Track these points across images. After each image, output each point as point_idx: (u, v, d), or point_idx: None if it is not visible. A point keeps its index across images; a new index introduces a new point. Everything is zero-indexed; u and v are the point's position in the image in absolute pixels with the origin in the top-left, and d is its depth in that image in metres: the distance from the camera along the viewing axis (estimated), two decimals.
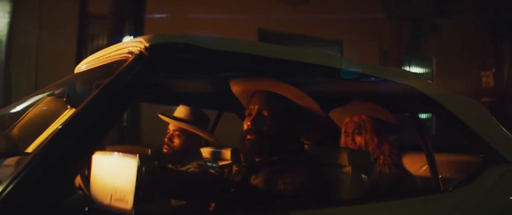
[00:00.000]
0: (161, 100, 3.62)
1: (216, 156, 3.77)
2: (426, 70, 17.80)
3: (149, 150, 3.72)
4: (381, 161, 3.13)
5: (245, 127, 2.29)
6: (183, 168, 3.34)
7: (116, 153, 1.47)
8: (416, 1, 14.39)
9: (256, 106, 2.29)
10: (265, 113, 2.26)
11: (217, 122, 4.04)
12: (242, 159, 2.38)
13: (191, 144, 3.48)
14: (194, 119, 3.45)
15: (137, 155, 1.40)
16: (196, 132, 3.44)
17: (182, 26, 10.39)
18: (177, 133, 3.44)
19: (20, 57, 9.49)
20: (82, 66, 2.66)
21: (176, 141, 3.44)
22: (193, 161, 3.40)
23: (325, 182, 2.21)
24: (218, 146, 3.84)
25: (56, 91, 2.63)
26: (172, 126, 3.47)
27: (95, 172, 1.51)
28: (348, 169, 2.30)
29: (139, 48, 1.84)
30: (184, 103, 3.46)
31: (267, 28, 12.93)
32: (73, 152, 1.50)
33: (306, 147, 2.47)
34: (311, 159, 2.30)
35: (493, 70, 12.01)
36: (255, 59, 2.05)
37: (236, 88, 2.47)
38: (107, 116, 1.65)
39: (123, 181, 1.40)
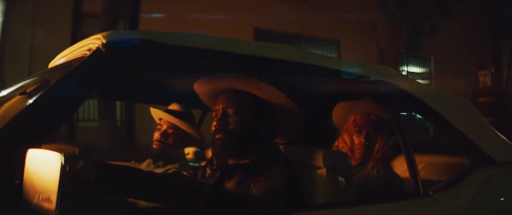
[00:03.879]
0: (128, 98, 3.56)
1: (201, 157, 3.70)
2: (424, 70, 17.80)
3: (77, 149, 3.62)
4: (374, 163, 2.99)
5: (213, 128, 2.23)
6: (163, 168, 3.27)
7: (42, 151, 1.41)
8: (414, 1, 14.37)
9: (221, 106, 2.23)
10: (230, 111, 2.20)
11: (202, 121, 3.98)
12: (214, 161, 2.31)
13: (182, 142, 3.41)
14: (187, 117, 3.39)
15: (62, 153, 1.34)
16: (189, 130, 3.37)
17: (177, 26, 10.34)
18: (171, 130, 3.37)
19: (14, 56, 9.48)
20: (55, 63, 2.62)
21: (170, 138, 3.37)
22: (176, 161, 3.33)
23: (298, 186, 2.13)
24: (202, 146, 3.78)
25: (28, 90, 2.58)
26: (165, 122, 3.40)
27: (27, 170, 1.46)
28: (322, 171, 2.20)
29: (96, 45, 1.81)
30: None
31: (263, 28, 12.89)
32: (14, 148, 1.48)
33: (281, 147, 2.39)
34: (286, 160, 2.22)
35: (493, 70, 11.94)
36: (219, 55, 1.98)
37: (200, 90, 2.40)
38: (54, 113, 1.63)
39: (48, 180, 1.35)
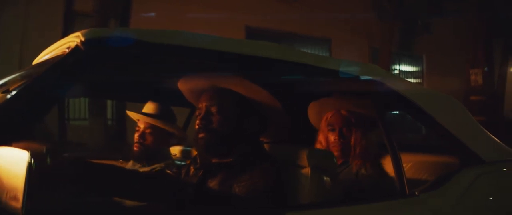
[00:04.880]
0: (109, 96, 3.53)
1: (186, 155, 3.69)
2: (417, 69, 17.82)
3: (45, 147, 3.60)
4: (360, 161, 2.92)
5: (196, 126, 2.21)
6: (149, 168, 3.26)
7: (10, 149, 1.40)
8: (409, 0, 14.37)
9: (204, 104, 2.21)
10: (213, 109, 2.18)
11: (189, 120, 3.96)
12: (198, 160, 2.30)
13: (162, 141, 3.39)
14: (164, 115, 3.37)
15: (29, 151, 1.33)
16: (167, 128, 3.35)
17: (169, 24, 10.31)
18: (148, 130, 3.35)
19: (5, 55, 9.43)
20: (39, 60, 2.60)
21: (148, 139, 3.35)
22: (162, 161, 3.32)
23: (281, 185, 2.11)
24: (186, 142, 3.76)
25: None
26: (142, 123, 3.39)
27: None
28: (307, 171, 2.17)
29: (75, 43, 1.80)
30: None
31: (255, 26, 12.87)
32: None
33: (266, 146, 2.38)
34: (270, 160, 2.20)
35: (486, 68, 11.97)
36: (200, 53, 1.96)
37: (184, 88, 2.38)
38: (30, 110, 1.63)
39: (15, 179, 1.34)
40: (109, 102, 10.07)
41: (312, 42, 14.37)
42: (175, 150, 3.69)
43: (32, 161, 1.31)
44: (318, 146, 3.04)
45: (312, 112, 3.09)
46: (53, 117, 9.60)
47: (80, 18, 10.24)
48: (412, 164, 3.29)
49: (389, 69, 14.35)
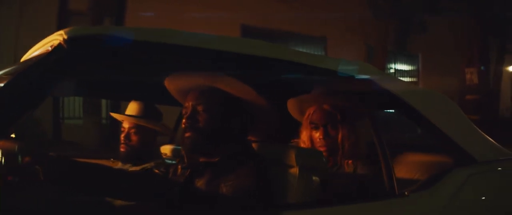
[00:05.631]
0: (95, 94, 3.51)
1: (176, 154, 3.66)
2: (412, 68, 17.84)
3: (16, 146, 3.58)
4: (349, 160, 2.82)
5: (182, 125, 2.19)
6: (138, 167, 3.23)
7: None
8: None
9: (190, 103, 2.18)
10: (200, 108, 2.15)
11: (180, 119, 3.93)
12: (185, 159, 2.27)
13: (148, 140, 3.37)
14: (147, 113, 3.34)
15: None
16: (151, 126, 3.33)
17: (164, 23, 10.28)
18: (133, 130, 3.32)
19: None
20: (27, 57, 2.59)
21: (134, 138, 3.32)
22: (151, 160, 3.29)
23: (268, 185, 2.08)
24: (174, 139, 3.74)
25: None
26: (127, 123, 3.36)
27: None
28: (295, 170, 2.14)
29: (58, 41, 1.80)
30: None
31: (251, 25, 12.86)
32: None
33: (254, 145, 2.35)
34: (258, 159, 2.17)
35: (482, 67, 12.00)
36: (185, 51, 1.94)
37: (171, 86, 2.35)
38: (12, 107, 1.63)
39: None
40: (103, 101, 10.07)
41: (307, 41, 14.35)
42: (165, 149, 3.67)
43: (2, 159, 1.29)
44: (301, 146, 2.88)
45: (292, 108, 2.93)
46: (46, 115, 9.58)
47: (75, 17, 10.24)
48: (406, 163, 3.26)
49: (385, 68, 14.37)
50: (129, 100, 3.42)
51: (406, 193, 2.15)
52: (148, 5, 10.78)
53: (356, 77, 2.28)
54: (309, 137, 2.85)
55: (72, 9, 10.17)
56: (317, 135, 2.81)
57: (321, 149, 2.77)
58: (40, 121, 9.52)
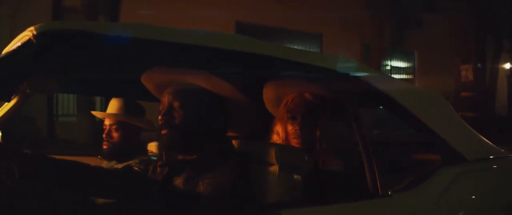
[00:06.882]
0: (70, 90, 3.47)
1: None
2: (408, 65, 17.85)
3: None
4: (327, 158, 2.53)
5: (159, 122, 2.14)
6: (123, 164, 3.19)
7: None
8: None
9: (166, 99, 2.14)
10: (176, 105, 2.11)
11: None
12: (163, 157, 2.23)
13: (131, 136, 3.33)
14: (128, 110, 3.31)
15: None
16: (132, 122, 3.29)
17: (158, 20, 10.24)
18: (114, 126, 3.29)
19: None
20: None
21: (115, 135, 3.29)
22: (136, 157, 3.25)
23: (247, 183, 2.04)
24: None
25: None
26: (108, 120, 3.33)
27: None
28: (274, 168, 2.08)
29: (28, 36, 1.78)
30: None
31: (245, 21, 12.83)
32: None
33: (234, 142, 2.30)
34: (237, 156, 2.13)
35: (479, 65, 12.00)
36: (160, 46, 1.90)
37: (147, 82, 2.31)
38: None
39: None
40: (97, 98, 10.04)
41: (302, 38, 14.34)
42: (152, 146, 3.63)
43: None
44: (274, 137, 2.55)
45: (268, 96, 2.59)
46: (39, 113, 9.54)
47: (69, 14, 10.22)
48: (396, 161, 3.22)
49: (381, 65, 14.34)
50: (109, 97, 3.39)
51: (389, 192, 2.08)
52: (143, 2, 10.77)
53: (339, 72, 2.21)
54: (284, 128, 2.51)
55: (67, 5, 10.18)
56: (293, 126, 2.48)
57: (295, 142, 2.48)
58: (33, 118, 9.52)
